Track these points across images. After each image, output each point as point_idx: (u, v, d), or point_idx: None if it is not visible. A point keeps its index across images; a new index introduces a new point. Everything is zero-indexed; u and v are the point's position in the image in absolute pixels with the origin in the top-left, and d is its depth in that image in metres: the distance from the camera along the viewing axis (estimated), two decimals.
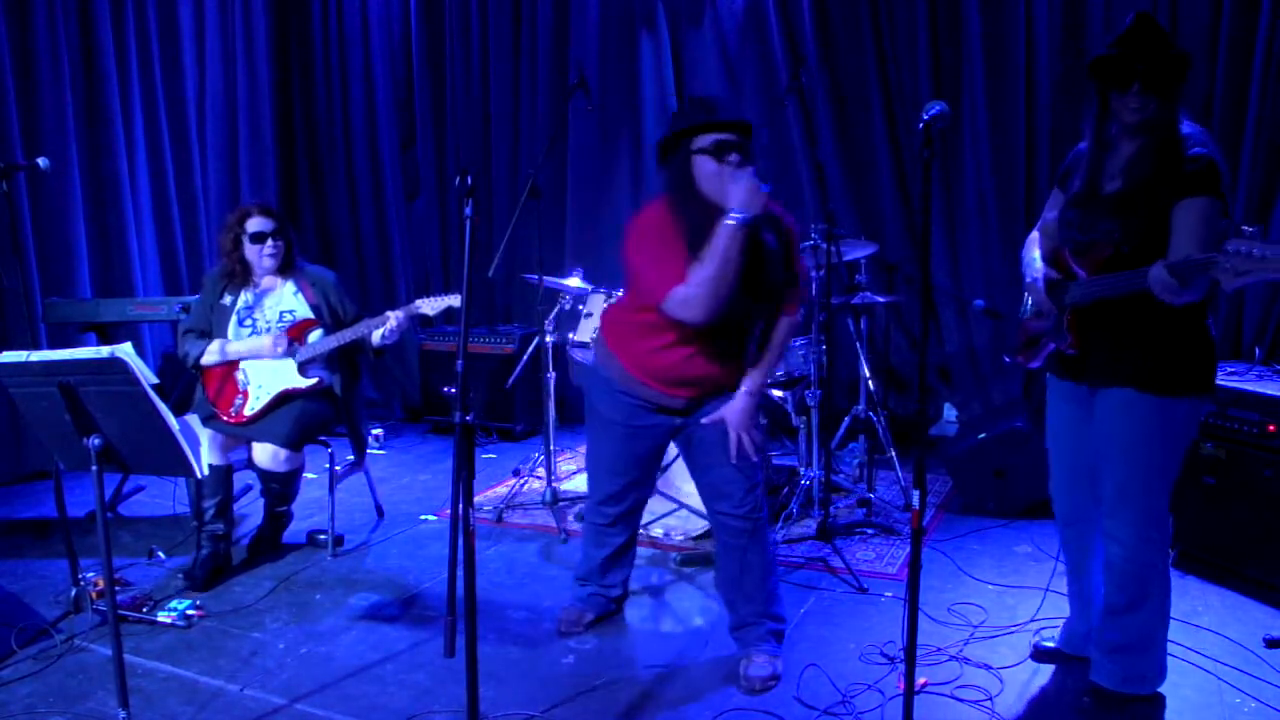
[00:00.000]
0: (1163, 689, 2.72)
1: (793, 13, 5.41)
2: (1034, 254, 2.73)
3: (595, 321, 4.02)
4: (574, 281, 4.35)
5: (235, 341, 3.78)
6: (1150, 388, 2.46)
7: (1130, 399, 2.49)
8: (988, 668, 2.96)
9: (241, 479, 4.10)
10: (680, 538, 4.08)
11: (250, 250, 3.77)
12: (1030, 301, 2.78)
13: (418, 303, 3.79)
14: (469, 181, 2.27)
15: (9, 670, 3.02)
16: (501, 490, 4.78)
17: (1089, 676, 2.72)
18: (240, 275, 3.82)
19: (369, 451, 4.48)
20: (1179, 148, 2.37)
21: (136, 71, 5.64)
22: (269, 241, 3.76)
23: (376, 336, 3.77)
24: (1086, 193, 2.54)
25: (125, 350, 2.35)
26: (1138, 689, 2.66)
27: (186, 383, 4.38)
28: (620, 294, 3.15)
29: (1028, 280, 2.72)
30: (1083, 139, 2.59)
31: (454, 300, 3.75)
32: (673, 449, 3.97)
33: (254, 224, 3.76)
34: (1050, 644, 3.01)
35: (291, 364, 3.77)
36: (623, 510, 3.20)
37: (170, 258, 5.93)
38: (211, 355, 3.77)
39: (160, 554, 3.94)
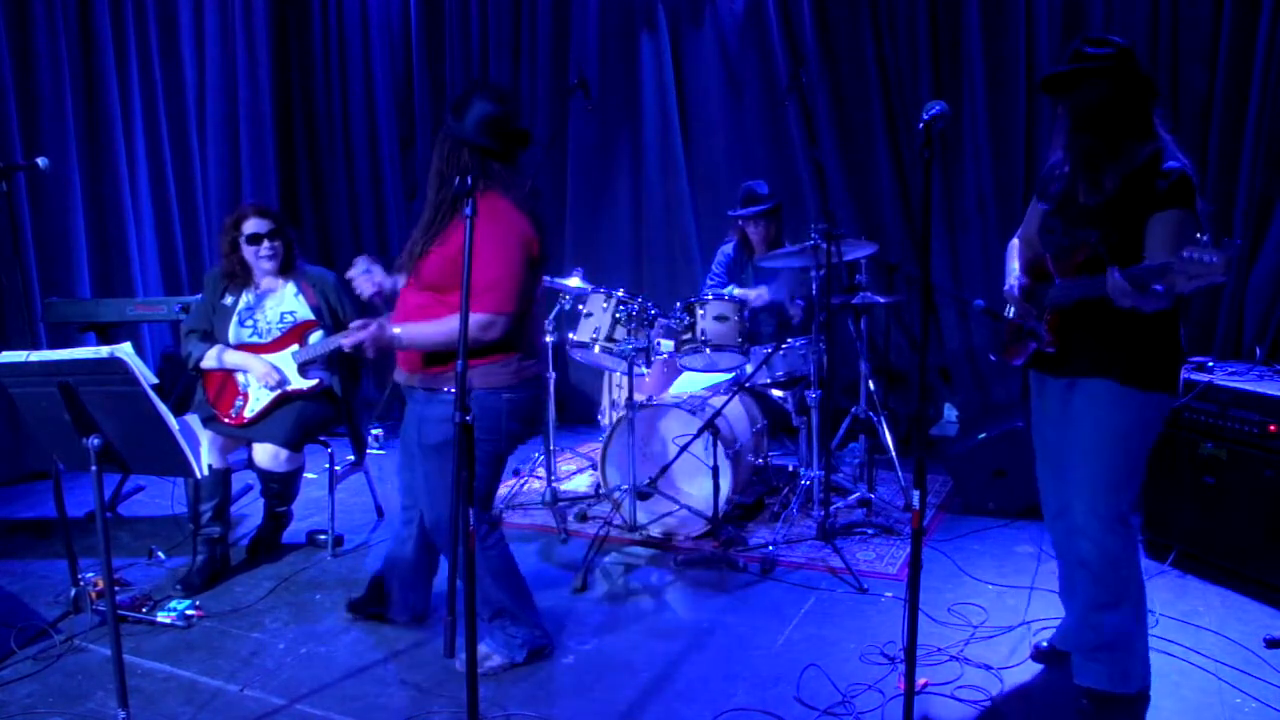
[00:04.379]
0: (1163, 689, 2.72)
1: (793, 13, 5.41)
2: (1013, 265, 2.84)
3: (595, 321, 4.02)
4: (574, 281, 4.34)
5: (232, 353, 3.76)
6: (1129, 380, 2.53)
7: (1109, 390, 2.55)
8: (988, 668, 2.96)
9: (241, 479, 4.10)
10: (680, 538, 4.08)
11: (247, 252, 3.76)
12: (1011, 307, 2.86)
13: None
14: (469, 181, 2.27)
15: (9, 670, 3.02)
16: (501, 490, 4.78)
17: (1075, 681, 2.72)
18: (241, 276, 3.82)
19: (369, 451, 4.48)
20: (1155, 163, 2.44)
21: (136, 71, 5.64)
22: (265, 243, 3.76)
23: None
24: (1065, 202, 2.62)
25: (125, 350, 2.35)
26: (1124, 687, 2.66)
27: (186, 383, 4.38)
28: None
29: (1005, 289, 2.83)
30: (1054, 150, 2.68)
31: None
32: (672, 449, 3.98)
33: (250, 225, 3.75)
34: (1049, 644, 3.01)
35: (292, 365, 3.77)
36: None
37: (170, 258, 5.93)
38: (209, 360, 3.77)
39: (159, 554, 3.94)
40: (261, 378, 3.72)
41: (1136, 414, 2.55)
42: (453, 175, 2.74)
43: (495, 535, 3.00)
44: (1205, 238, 2.11)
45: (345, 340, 2.85)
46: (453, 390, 2.75)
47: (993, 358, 2.92)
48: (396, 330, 2.81)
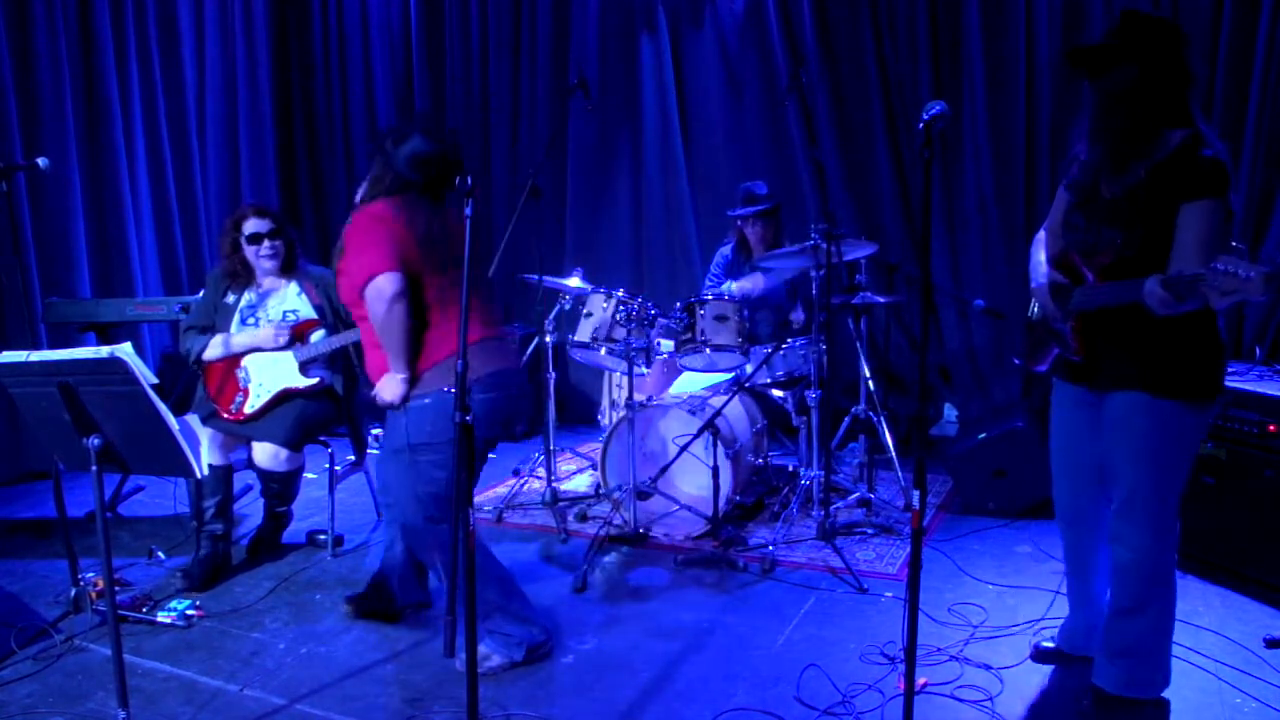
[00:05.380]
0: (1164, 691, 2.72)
1: (793, 13, 5.41)
2: (1040, 257, 2.72)
3: (595, 321, 4.02)
4: (574, 281, 4.35)
5: (237, 334, 3.78)
6: (1161, 391, 2.44)
7: (1141, 403, 2.46)
8: (988, 668, 2.96)
9: (242, 479, 4.10)
10: (680, 538, 4.08)
11: (248, 251, 3.77)
12: (1036, 306, 2.77)
13: None
14: (469, 181, 2.27)
15: (9, 670, 3.02)
16: (501, 490, 4.78)
17: (1091, 679, 2.71)
18: (243, 276, 3.82)
19: (369, 451, 4.48)
20: (1188, 150, 2.33)
21: (136, 72, 5.64)
22: (266, 242, 3.76)
23: None
24: (1088, 196, 2.53)
25: (125, 350, 2.35)
26: (1141, 693, 2.64)
27: (187, 382, 4.38)
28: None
29: (1033, 285, 2.72)
30: (1078, 139, 2.59)
31: None
32: (672, 449, 3.98)
33: (250, 225, 3.76)
34: (1050, 644, 3.01)
35: (293, 363, 3.77)
36: None
37: (170, 258, 5.93)
38: (214, 349, 3.77)
39: (160, 554, 3.94)
40: (272, 339, 3.71)
41: (1172, 425, 2.45)
42: (374, 195, 2.92)
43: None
44: (1242, 246, 2.01)
45: (383, 401, 2.94)
46: (418, 398, 2.85)
47: (1017, 362, 2.86)
48: (389, 381, 2.90)
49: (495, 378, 2.91)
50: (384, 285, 2.76)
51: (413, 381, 2.88)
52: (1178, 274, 2.18)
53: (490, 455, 5.60)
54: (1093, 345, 2.55)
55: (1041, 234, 2.78)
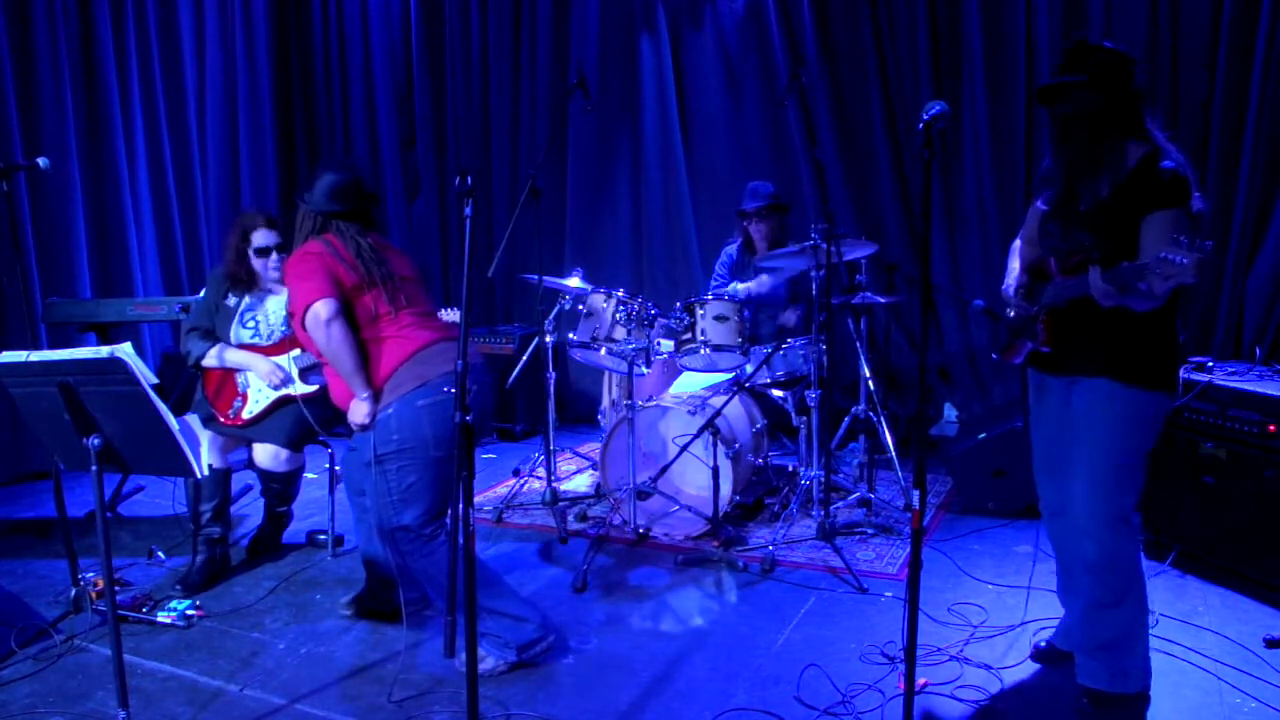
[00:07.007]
0: (1163, 689, 2.72)
1: (793, 13, 5.41)
2: (1013, 264, 2.86)
3: (595, 321, 4.02)
4: (574, 281, 4.35)
5: (235, 351, 3.76)
6: (1127, 379, 2.53)
7: (1108, 389, 2.55)
8: (988, 668, 2.96)
9: (241, 479, 4.10)
10: (680, 538, 4.08)
11: (256, 263, 3.77)
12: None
13: None
14: (469, 181, 2.27)
15: (9, 670, 3.02)
16: (501, 490, 4.78)
17: (1077, 680, 2.72)
18: (246, 280, 3.81)
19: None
20: (1149, 164, 2.46)
21: (136, 71, 5.65)
22: (274, 255, 3.76)
23: None
24: (1062, 207, 2.63)
25: (125, 350, 2.36)
26: (1124, 687, 2.65)
27: (186, 382, 4.37)
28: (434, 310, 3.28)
29: (1003, 287, 2.85)
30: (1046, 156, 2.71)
31: (453, 316, 3.74)
32: (672, 449, 3.98)
33: (259, 238, 3.75)
34: (1048, 644, 3.01)
35: (293, 369, 3.76)
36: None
37: (170, 258, 5.93)
38: (210, 359, 3.77)
39: (160, 554, 3.94)
40: (266, 376, 3.71)
41: (1135, 413, 2.55)
42: (302, 239, 3.08)
43: (443, 535, 3.01)
44: (1183, 239, 2.13)
45: (355, 424, 3.06)
46: (381, 411, 2.94)
47: (994, 356, 2.93)
48: (355, 405, 3.02)
49: (449, 378, 2.96)
50: (320, 310, 2.89)
51: (375, 398, 2.98)
52: (1123, 266, 2.31)
53: (489, 456, 5.64)
54: (1061, 337, 2.64)
55: (1017, 242, 2.89)
